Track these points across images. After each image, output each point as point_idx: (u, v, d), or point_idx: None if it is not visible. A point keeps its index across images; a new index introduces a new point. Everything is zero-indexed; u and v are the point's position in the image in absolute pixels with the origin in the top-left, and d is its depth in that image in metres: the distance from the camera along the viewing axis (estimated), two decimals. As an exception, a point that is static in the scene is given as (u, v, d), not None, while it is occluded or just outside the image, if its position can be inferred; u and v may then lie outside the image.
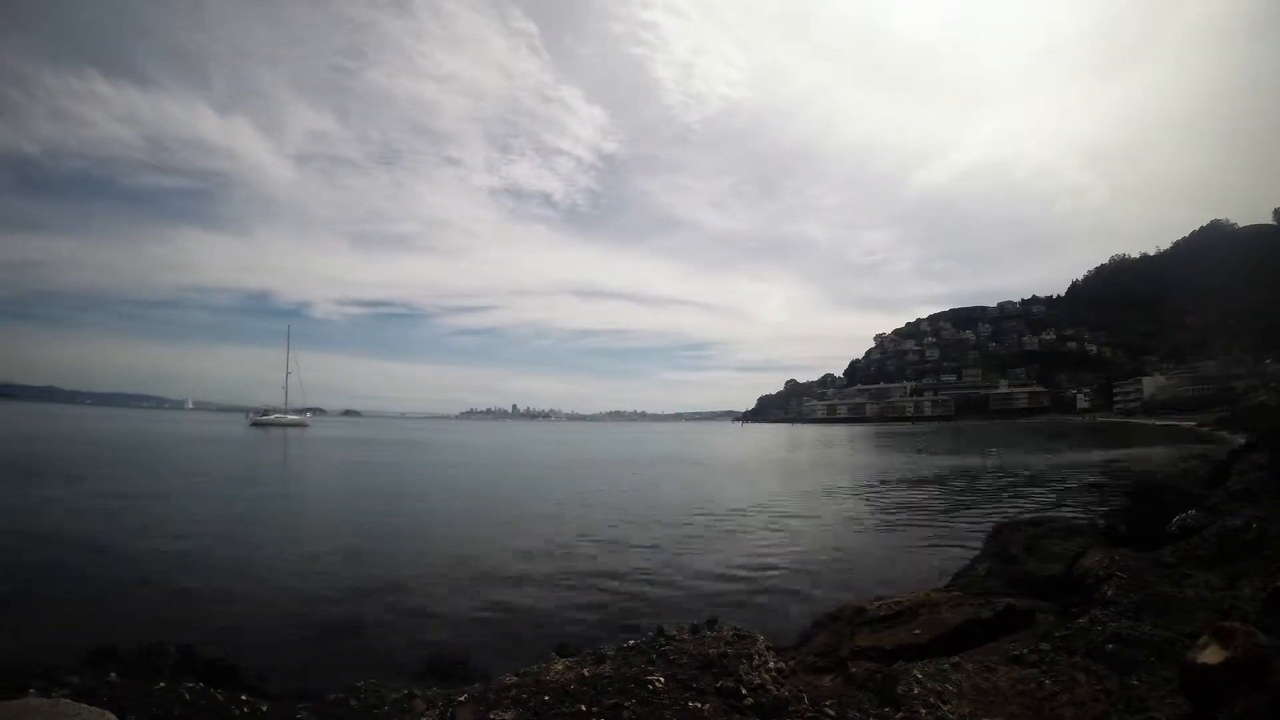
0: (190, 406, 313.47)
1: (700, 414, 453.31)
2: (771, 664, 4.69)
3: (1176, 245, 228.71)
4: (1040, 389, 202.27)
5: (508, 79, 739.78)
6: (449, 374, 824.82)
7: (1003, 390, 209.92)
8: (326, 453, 48.78)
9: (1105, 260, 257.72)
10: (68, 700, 2.89)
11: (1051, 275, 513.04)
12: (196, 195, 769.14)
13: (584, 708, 3.99)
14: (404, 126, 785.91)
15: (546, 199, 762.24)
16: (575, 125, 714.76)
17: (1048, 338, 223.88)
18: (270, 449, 49.43)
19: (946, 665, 4.42)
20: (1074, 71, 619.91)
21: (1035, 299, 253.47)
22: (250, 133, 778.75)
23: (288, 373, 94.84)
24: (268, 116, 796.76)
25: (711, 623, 6.55)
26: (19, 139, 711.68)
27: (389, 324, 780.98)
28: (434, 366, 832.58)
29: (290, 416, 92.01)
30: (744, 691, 4.16)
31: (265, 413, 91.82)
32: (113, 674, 4.60)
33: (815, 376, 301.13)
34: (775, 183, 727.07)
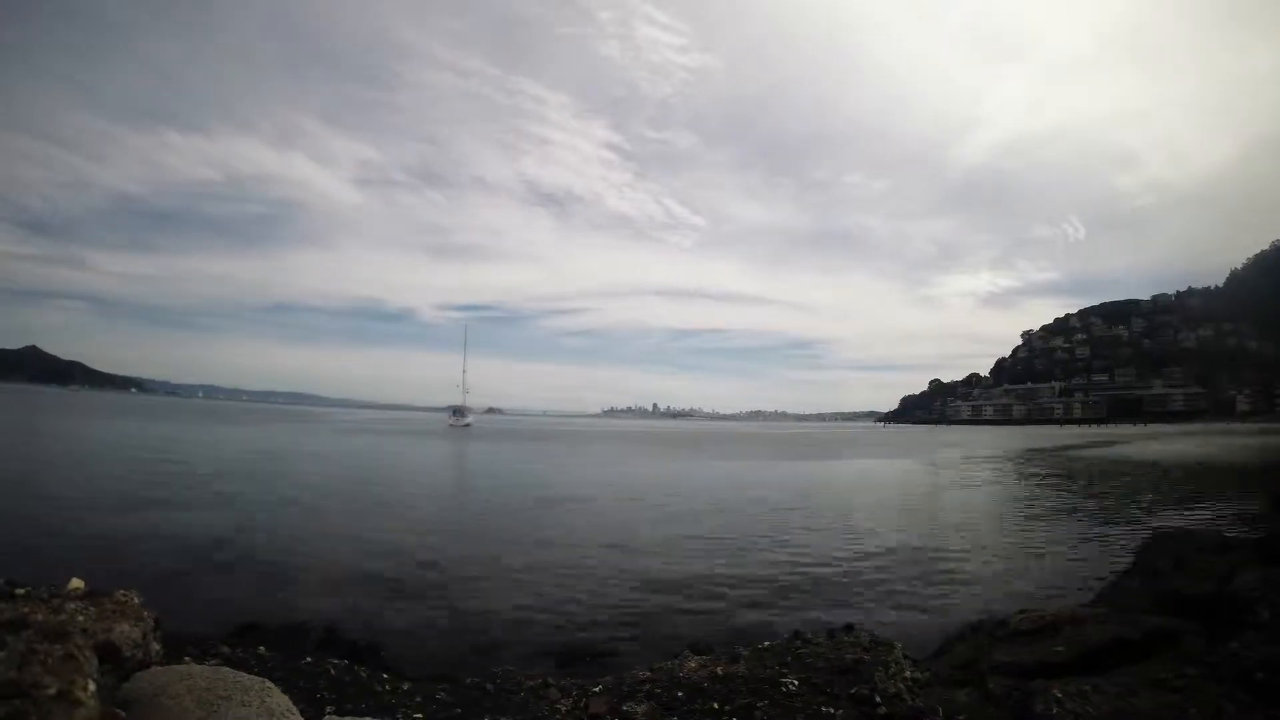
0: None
1: (841, 414, 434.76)
2: (908, 673, 4.56)
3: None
4: (1198, 390, 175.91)
5: (462, 77, 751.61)
6: (569, 373, 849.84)
7: (1157, 391, 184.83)
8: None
9: (1266, 245, 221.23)
10: (227, 669, 2.93)
11: (1165, 254, 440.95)
12: (278, 220, 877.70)
13: (716, 705, 3.97)
14: (406, 135, 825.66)
15: (569, 192, 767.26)
16: (552, 114, 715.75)
17: (1205, 334, 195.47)
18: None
19: (1087, 686, 4.12)
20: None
21: (1191, 291, 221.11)
22: (305, 162, 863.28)
23: (464, 371, 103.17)
24: (313, 148, 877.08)
25: (849, 628, 6.39)
26: (123, 182, 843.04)
27: (492, 327, 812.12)
28: (551, 366, 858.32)
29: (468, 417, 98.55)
30: (878, 699, 4.07)
31: (461, 413, 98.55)
32: (261, 647, 4.73)
33: (958, 376, 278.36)
34: (801, 168, 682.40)
